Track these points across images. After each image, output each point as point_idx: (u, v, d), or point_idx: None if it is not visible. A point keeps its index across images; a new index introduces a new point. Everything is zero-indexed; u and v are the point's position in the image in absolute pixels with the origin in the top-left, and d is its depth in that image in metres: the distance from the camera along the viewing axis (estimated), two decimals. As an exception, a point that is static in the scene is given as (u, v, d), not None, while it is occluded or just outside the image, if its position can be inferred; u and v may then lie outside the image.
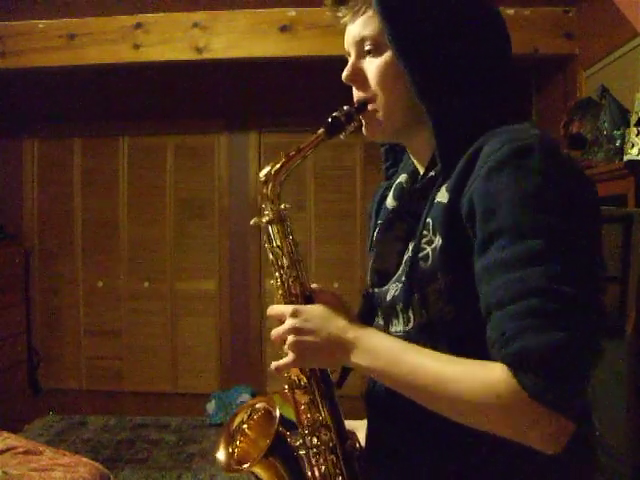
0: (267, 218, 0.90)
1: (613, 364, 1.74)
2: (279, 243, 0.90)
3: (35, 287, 4.28)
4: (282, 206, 0.90)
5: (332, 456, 0.90)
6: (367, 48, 0.86)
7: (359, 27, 0.86)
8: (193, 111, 4.24)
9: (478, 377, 0.70)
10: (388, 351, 0.78)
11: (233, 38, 3.39)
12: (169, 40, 3.40)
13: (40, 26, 3.45)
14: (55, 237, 4.31)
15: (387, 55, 0.84)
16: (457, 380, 0.71)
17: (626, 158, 2.25)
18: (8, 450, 1.90)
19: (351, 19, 0.87)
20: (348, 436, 0.92)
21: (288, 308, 0.85)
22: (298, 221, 4.11)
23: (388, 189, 1.02)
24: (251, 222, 0.92)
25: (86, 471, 1.83)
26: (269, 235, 0.91)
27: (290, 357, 0.84)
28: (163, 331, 4.23)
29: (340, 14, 0.88)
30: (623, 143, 2.36)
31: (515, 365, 0.66)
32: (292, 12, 3.34)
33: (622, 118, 2.43)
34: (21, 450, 1.90)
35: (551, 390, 0.65)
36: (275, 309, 0.88)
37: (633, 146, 2.24)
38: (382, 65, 0.85)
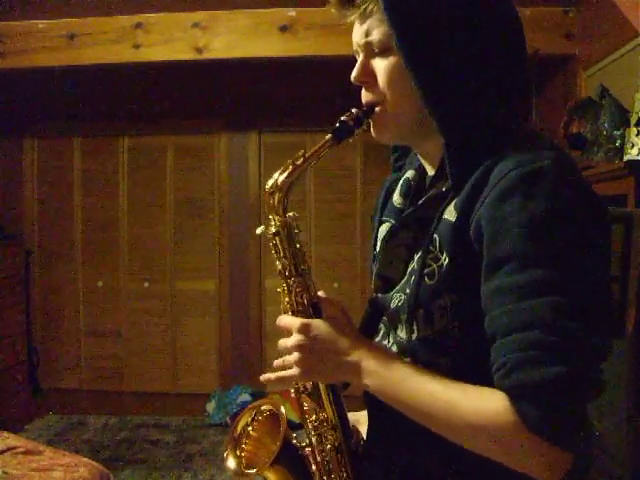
0: (274, 229, 0.89)
1: (613, 364, 1.74)
2: (286, 253, 0.89)
3: (35, 287, 4.28)
4: (289, 215, 0.89)
5: (337, 454, 0.91)
6: (376, 49, 0.84)
7: (368, 27, 0.83)
8: (193, 111, 4.24)
9: (480, 404, 0.71)
10: (392, 374, 0.79)
11: (233, 38, 3.38)
12: (169, 40, 3.40)
13: (40, 26, 3.44)
14: (55, 237, 4.31)
15: (397, 57, 0.81)
16: (460, 407, 0.72)
17: (626, 158, 2.25)
18: (8, 450, 1.90)
19: (359, 19, 0.85)
20: (352, 433, 0.93)
21: (296, 322, 0.84)
22: (298, 221, 4.10)
23: (395, 183, 1.01)
24: (257, 231, 0.90)
25: (86, 471, 1.83)
26: (276, 245, 0.89)
27: (294, 371, 0.84)
28: (163, 331, 4.23)
29: (348, 14, 0.85)
30: (623, 143, 2.36)
31: (514, 397, 0.68)
32: (292, 12, 3.33)
33: (622, 118, 2.43)
34: (21, 450, 1.90)
35: (548, 423, 0.66)
36: (284, 320, 0.87)
37: (633, 146, 2.24)
38: (392, 67, 0.83)
